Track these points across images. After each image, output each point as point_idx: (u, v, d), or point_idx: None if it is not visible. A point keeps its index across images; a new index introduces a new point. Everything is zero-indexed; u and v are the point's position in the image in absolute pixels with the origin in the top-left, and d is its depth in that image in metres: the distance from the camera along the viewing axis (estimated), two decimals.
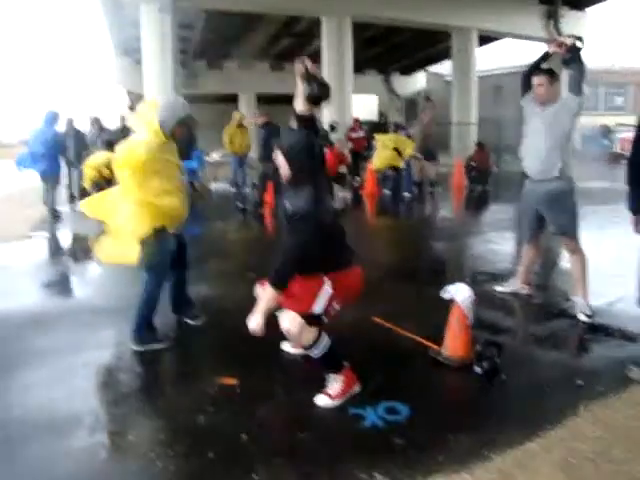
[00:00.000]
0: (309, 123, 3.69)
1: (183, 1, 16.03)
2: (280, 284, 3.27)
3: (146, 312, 4.40)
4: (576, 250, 4.90)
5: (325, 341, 3.38)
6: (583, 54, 4.70)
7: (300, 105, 3.65)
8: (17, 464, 2.90)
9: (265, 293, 3.32)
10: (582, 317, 4.75)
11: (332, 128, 14.49)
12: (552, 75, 4.91)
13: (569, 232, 4.88)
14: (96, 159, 11.15)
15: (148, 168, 4.12)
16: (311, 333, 3.32)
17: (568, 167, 4.90)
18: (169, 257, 4.44)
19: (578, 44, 4.70)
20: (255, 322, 3.31)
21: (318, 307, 3.30)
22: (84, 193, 13.42)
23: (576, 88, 4.73)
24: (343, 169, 13.57)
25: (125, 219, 4.18)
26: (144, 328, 4.40)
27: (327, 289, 3.32)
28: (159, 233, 4.22)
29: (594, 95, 33.85)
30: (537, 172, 4.91)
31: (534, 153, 4.92)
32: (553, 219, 4.94)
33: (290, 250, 3.28)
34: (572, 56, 4.74)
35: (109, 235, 4.33)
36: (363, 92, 32.03)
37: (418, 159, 13.89)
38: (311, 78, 3.67)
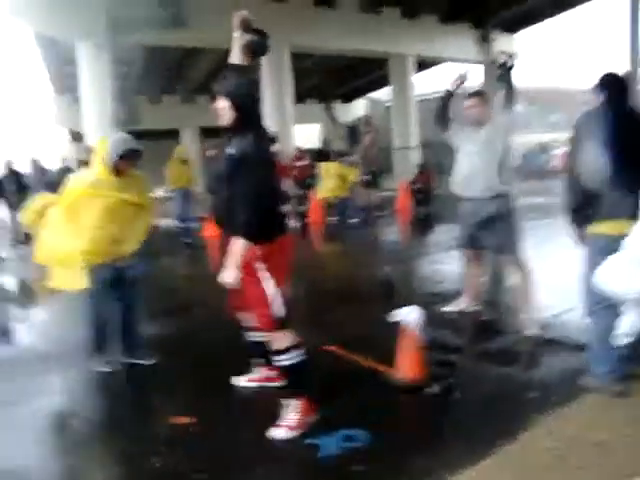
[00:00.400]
0: (247, 74, 3.58)
1: (120, 37, 15.94)
2: (249, 232, 3.20)
3: (92, 334, 4.61)
4: (520, 267, 4.98)
5: (300, 353, 3.39)
6: (514, 71, 4.87)
7: (236, 57, 3.54)
8: None
9: (235, 246, 3.22)
10: (530, 332, 4.81)
11: (272, 140, 14.47)
12: (483, 96, 5.06)
13: (509, 251, 4.95)
14: (36, 202, 10.94)
15: (81, 201, 4.28)
16: (287, 338, 3.36)
17: (506, 185, 5.00)
18: (103, 288, 4.47)
19: (509, 62, 4.87)
20: (229, 275, 3.22)
21: (277, 305, 3.31)
22: (28, 237, 13.15)
23: (507, 104, 4.88)
24: (288, 187, 13.58)
25: (64, 250, 4.32)
26: (94, 349, 4.61)
27: (266, 281, 3.30)
28: (92, 265, 4.32)
29: (530, 113, 34.89)
30: (474, 192, 4.98)
31: (471, 174, 4.99)
32: (493, 238, 5.00)
33: (245, 195, 3.20)
34: (503, 73, 4.91)
35: (58, 265, 4.45)
36: (305, 122, 32.25)
37: (365, 184, 14.03)
38: (249, 28, 3.55)
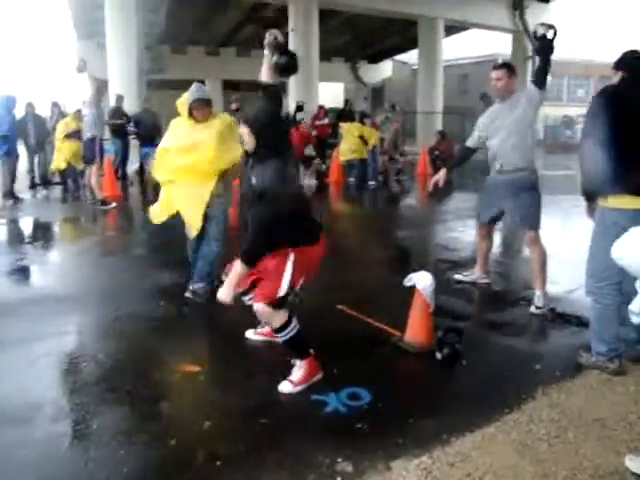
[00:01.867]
0: (275, 94, 3.65)
1: None
2: (250, 260, 3.28)
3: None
4: (536, 242, 4.94)
5: (292, 326, 3.43)
6: (554, 44, 4.68)
7: (266, 75, 3.59)
8: None
9: (235, 267, 3.32)
10: (532, 309, 4.82)
11: (299, 108, 14.40)
12: (510, 69, 4.96)
13: (530, 225, 4.91)
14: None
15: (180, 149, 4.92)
16: (281, 317, 3.38)
17: (532, 159, 4.97)
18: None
19: (549, 34, 4.67)
20: (224, 293, 3.33)
21: (284, 288, 3.34)
22: (46, 180, 13.28)
23: (540, 81, 4.75)
24: (310, 150, 13.52)
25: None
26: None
27: (291, 267, 3.35)
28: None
29: (558, 86, 34.34)
30: (502, 165, 4.94)
31: (500, 147, 4.94)
32: (515, 211, 4.96)
33: (258, 225, 3.27)
34: (541, 45, 4.75)
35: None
36: (330, 80, 31.99)
37: (386, 153, 14.01)
38: (280, 48, 3.62)
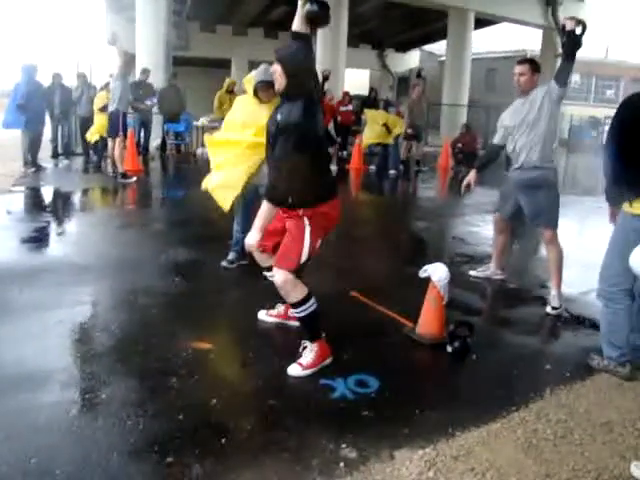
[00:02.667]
0: (308, 41, 3.56)
1: None
2: (274, 197, 3.32)
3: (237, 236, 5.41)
4: (553, 241, 4.90)
5: (311, 303, 3.46)
6: (582, 40, 4.59)
7: (298, 24, 3.52)
8: None
9: (261, 209, 3.36)
10: (548, 309, 4.78)
11: (325, 78, 14.30)
12: (534, 65, 4.90)
13: (548, 223, 4.86)
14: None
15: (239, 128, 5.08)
16: (301, 290, 3.43)
17: (551, 157, 4.92)
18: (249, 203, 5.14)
19: (577, 29, 4.58)
20: (252, 237, 3.40)
21: (306, 252, 3.39)
22: (68, 150, 13.37)
23: (562, 77, 4.69)
24: (331, 129, 13.37)
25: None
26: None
27: (308, 230, 3.38)
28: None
29: (586, 86, 33.93)
30: (521, 161, 4.90)
31: (519, 142, 4.90)
32: (533, 209, 4.91)
33: (283, 162, 3.29)
34: (568, 40, 4.64)
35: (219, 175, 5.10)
36: (356, 66, 31.83)
37: (407, 137, 13.83)
38: None
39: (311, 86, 3.42)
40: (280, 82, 3.36)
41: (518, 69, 4.86)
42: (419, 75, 15.44)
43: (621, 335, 3.64)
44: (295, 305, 3.47)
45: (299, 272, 3.51)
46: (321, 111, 3.50)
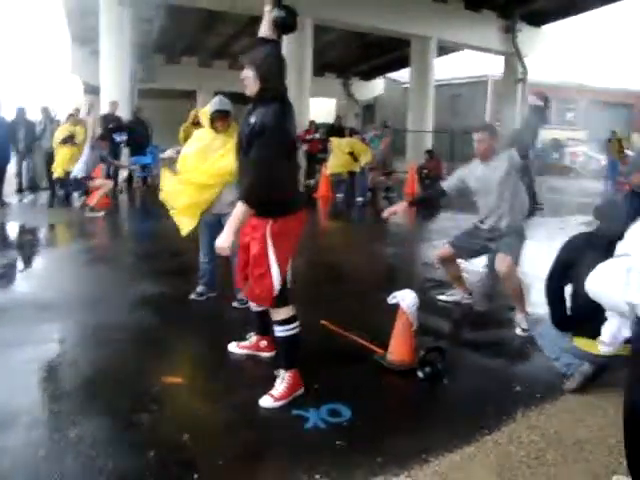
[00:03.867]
0: (277, 46, 3.60)
1: None
2: (249, 199, 3.25)
3: (203, 268, 5.46)
4: (511, 274, 4.83)
5: (296, 325, 3.50)
6: (548, 114, 4.72)
7: (265, 30, 3.53)
8: None
9: (235, 212, 3.29)
10: (518, 330, 4.82)
11: None
12: (491, 130, 5.01)
13: (508, 251, 4.84)
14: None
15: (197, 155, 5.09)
16: (287, 309, 3.48)
17: (518, 218, 5.00)
18: (210, 232, 5.00)
19: (543, 103, 4.69)
20: (224, 240, 3.29)
21: (277, 281, 3.37)
22: (33, 185, 13.24)
23: (523, 150, 4.80)
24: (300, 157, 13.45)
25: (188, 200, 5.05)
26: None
27: (272, 253, 3.35)
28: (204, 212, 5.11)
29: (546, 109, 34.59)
30: (490, 224, 4.98)
31: (485, 206, 4.99)
32: (497, 246, 4.95)
33: (260, 165, 3.25)
34: (534, 114, 4.80)
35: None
36: (321, 95, 32.09)
37: (375, 170, 14.04)
38: (279, 3, 3.59)
39: (284, 89, 3.42)
40: (252, 86, 3.33)
41: (477, 136, 4.94)
42: (386, 126, 15.65)
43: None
44: (280, 323, 3.47)
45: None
46: (293, 115, 3.48)
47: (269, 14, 3.51)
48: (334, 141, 13.62)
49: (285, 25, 3.57)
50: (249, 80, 3.33)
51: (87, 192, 10.87)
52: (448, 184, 5.27)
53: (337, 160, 13.23)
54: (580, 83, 32.74)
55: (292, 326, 3.49)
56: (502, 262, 4.82)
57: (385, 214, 5.34)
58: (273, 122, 3.24)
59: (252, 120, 3.30)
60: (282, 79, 3.41)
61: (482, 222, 5.07)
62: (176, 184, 5.11)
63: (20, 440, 3.02)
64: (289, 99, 3.47)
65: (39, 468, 2.80)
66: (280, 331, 3.50)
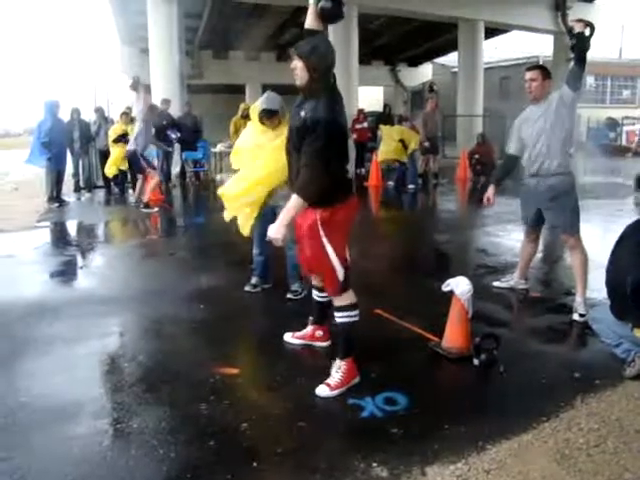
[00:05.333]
0: (324, 37, 3.53)
1: None
2: (305, 193, 3.26)
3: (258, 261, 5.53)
4: (576, 247, 4.86)
5: (356, 313, 3.54)
6: (590, 42, 4.58)
7: (311, 22, 3.48)
8: (21, 449, 2.95)
9: (290, 204, 3.29)
10: (575, 316, 4.73)
11: None
12: (544, 70, 4.90)
13: (569, 229, 4.84)
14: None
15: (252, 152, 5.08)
16: (348, 295, 3.53)
17: (568, 162, 4.90)
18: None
19: (586, 31, 4.57)
20: (276, 230, 3.30)
21: (339, 269, 3.43)
22: (90, 183, 13.59)
23: (574, 82, 4.68)
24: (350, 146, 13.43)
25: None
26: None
27: (327, 243, 3.39)
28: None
29: (602, 87, 33.68)
30: (537, 168, 4.89)
31: (534, 149, 4.89)
32: (553, 215, 4.90)
33: (310, 157, 3.25)
34: (577, 43, 4.62)
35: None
36: (369, 84, 31.94)
37: (424, 152, 13.86)
38: None
39: (333, 79, 3.40)
40: (302, 77, 3.32)
41: (529, 75, 4.86)
42: (431, 89, 15.45)
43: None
44: (342, 309, 3.51)
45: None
46: (343, 106, 3.47)
47: (315, 5, 3.48)
48: (384, 129, 13.55)
49: (331, 15, 3.51)
50: (299, 70, 3.32)
51: (135, 181, 11.12)
52: (513, 148, 5.18)
53: (388, 147, 13.14)
54: (635, 59, 31.73)
55: (353, 313, 3.52)
56: (567, 241, 4.92)
57: (485, 202, 5.31)
58: (324, 116, 3.24)
59: (302, 114, 3.31)
60: (331, 70, 3.39)
61: (532, 175, 4.99)
62: (236, 183, 5.11)
63: (86, 430, 3.13)
64: (339, 89, 3.46)
65: (105, 456, 2.89)
66: (340, 317, 3.53)
